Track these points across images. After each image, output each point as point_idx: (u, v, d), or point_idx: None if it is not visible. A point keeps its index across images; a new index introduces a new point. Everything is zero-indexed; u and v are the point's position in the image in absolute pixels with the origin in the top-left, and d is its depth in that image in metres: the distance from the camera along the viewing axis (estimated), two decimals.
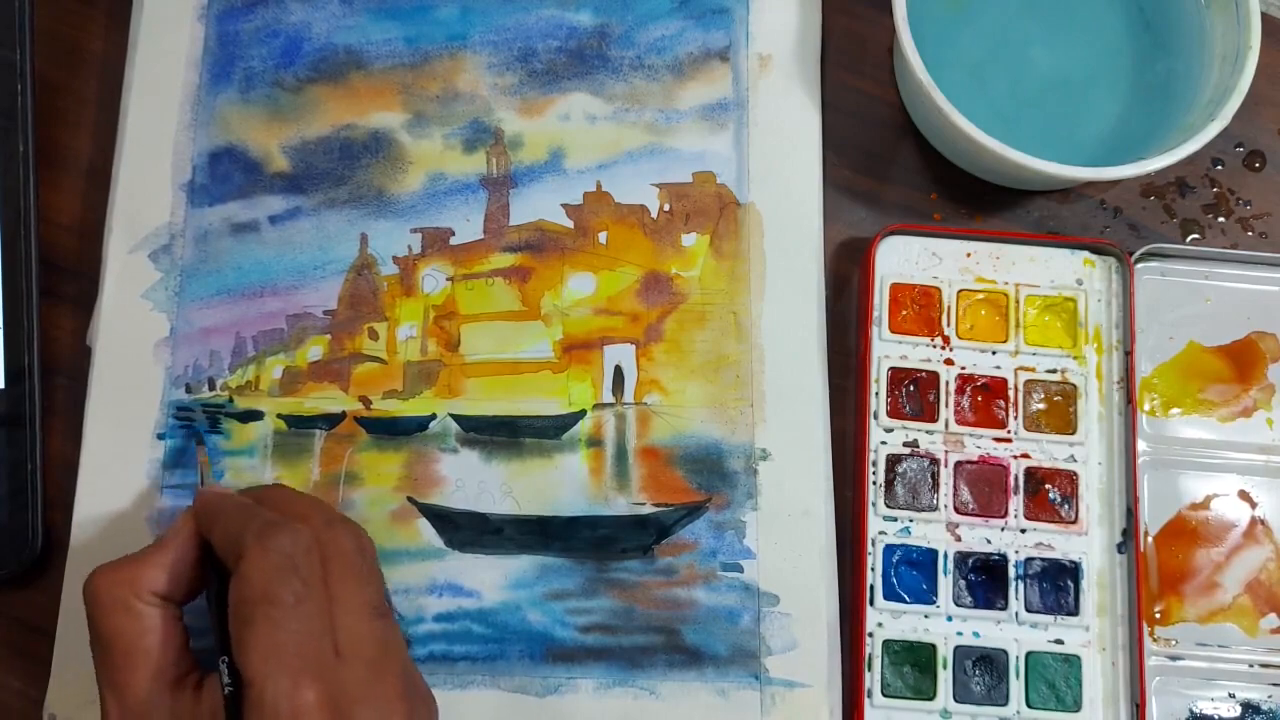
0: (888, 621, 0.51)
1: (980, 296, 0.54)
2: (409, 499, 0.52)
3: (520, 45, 0.57)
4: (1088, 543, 0.52)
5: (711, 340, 0.54)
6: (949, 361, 0.53)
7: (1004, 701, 0.50)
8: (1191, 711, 0.51)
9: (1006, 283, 0.54)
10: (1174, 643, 0.51)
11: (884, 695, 0.50)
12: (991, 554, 0.51)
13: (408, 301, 0.54)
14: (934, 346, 0.53)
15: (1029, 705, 0.50)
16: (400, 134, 0.56)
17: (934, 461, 0.52)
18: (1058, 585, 0.51)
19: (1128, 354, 0.53)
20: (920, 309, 0.54)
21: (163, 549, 0.43)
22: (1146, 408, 0.53)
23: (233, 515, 0.42)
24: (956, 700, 0.50)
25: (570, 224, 0.55)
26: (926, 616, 0.51)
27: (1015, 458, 0.52)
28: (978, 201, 0.57)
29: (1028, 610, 0.51)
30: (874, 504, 0.52)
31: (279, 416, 0.53)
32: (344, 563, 0.41)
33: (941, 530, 0.52)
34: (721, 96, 0.56)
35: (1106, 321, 0.54)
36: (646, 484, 0.52)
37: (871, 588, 0.51)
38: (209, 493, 0.44)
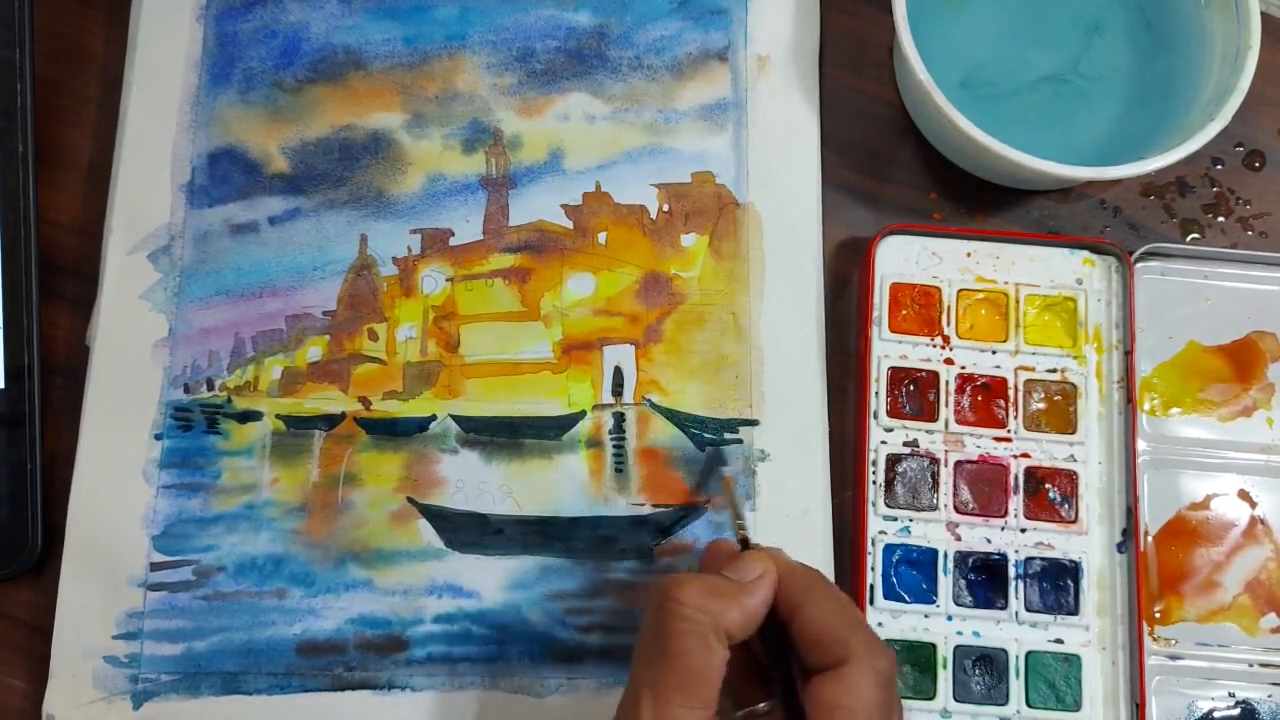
0: (888, 621, 0.51)
1: (980, 296, 0.54)
2: (409, 500, 0.52)
3: (519, 45, 0.57)
4: (1088, 542, 0.52)
5: (711, 341, 0.54)
6: (949, 361, 0.53)
7: (1004, 701, 0.50)
8: (1191, 711, 0.51)
9: (1006, 282, 0.54)
10: (1174, 642, 0.51)
11: None
12: (991, 553, 0.51)
13: (407, 302, 0.54)
14: (934, 346, 0.53)
15: (1029, 705, 0.50)
16: (399, 134, 0.56)
17: (934, 461, 0.52)
18: (1058, 585, 0.51)
19: (1128, 354, 0.53)
20: (920, 309, 0.54)
21: (749, 595, 0.42)
22: (1146, 407, 0.53)
23: (830, 608, 0.42)
24: (956, 700, 0.50)
25: (570, 224, 0.55)
26: (926, 616, 0.51)
27: (1015, 457, 0.52)
28: (978, 201, 0.57)
29: (1028, 610, 0.51)
30: (874, 504, 0.52)
31: (278, 417, 0.53)
32: (898, 696, 0.42)
33: (941, 530, 0.52)
34: (720, 97, 0.56)
35: (1106, 321, 0.54)
36: (646, 485, 0.52)
37: (871, 587, 0.51)
38: (796, 568, 0.44)
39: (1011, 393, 0.53)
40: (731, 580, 0.42)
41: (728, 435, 0.53)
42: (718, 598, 0.41)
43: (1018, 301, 0.54)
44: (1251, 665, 0.51)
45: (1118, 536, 0.52)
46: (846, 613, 0.42)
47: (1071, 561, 0.51)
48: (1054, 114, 0.55)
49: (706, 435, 0.53)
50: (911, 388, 0.53)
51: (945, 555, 0.51)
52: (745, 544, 0.46)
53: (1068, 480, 0.52)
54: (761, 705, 0.43)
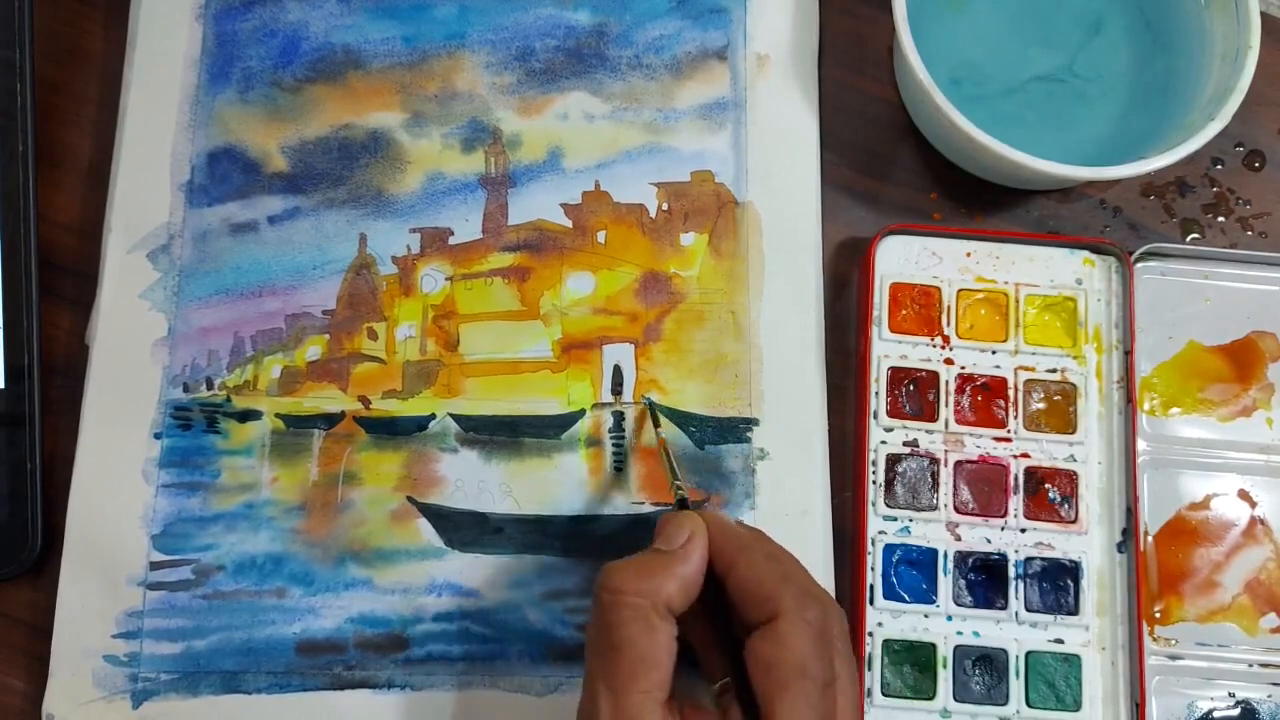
0: (887, 621, 0.51)
1: (980, 296, 0.54)
2: (409, 499, 0.52)
3: (518, 44, 0.57)
4: (1088, 542, 0.52)
5: (710, 340, 0.54)
6: (949, 361, 0.53)
7: (1004, 701, 0.50)
8: (1191, 711, 0.50)
9: (1006, 282, 0.54)
10: (1174, 642, 0.51)
11: (884, 695, 0.50)
12: (991, 553, 0.51)
13: (406, 301, 0.54)
14: (934, 346, 0.53)
15: (1029, 705, 0.50)
16: (399, 134, 0.56)
17: (934, 461, 0.52)
18: (1058, 585, 0.51)
19: (1127, 353, 0.53)
20: (920, 309, 0.54)
21: (681, 563, 0.42)
22: (1146, 407, 0.53)
23: (762, 564, 0.42)
24: (956, 700, 0.50)
25: (569, 223, 0.55)
26: (926, 616, 0.51)
27: (1015, 457, 0.52)
28: (978, 201, 0.57)
29: (1027, 610, 0.51)
30: (874, 503, 0.52)
31: (277, 416, 0.53)
32: (844, 644, 0.42)
33: (941, 530, 0.52)
34: (719, 96, 0.56)
35: (1106, 321, 0.54)
36: (645, 483, 0.52)
37: (871, 587, 0.51)
38: (730, 526, 0.43)
39: (1011, 393, 0.53)
40: (663, 553, 0.42)
41: (732, 436, 0.53)
42: (651, 576, 0.41)
43: (1018, 301, 0.54)
44: (1251, 665, 0.51)
45: (1118, 536, 0.52)
46: (778, 567, 0.42)
47: (1071, 561, 0.51)
48: (1053, 114, 0.55)
49: (707, 433, 0.53)
50: (911, 388, 0.53)
51: (945, 555, 0.51)
52: (683, 505, 0.45)
53: (1068, 480, 0.52)
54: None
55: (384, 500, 0.52)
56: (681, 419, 0.53)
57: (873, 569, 0.51)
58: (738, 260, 0.54)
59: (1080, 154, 0.54)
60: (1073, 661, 0.50)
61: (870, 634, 0.50)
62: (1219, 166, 0.57)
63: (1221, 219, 0.57)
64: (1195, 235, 0.57)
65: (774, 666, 0.40)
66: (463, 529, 0.52)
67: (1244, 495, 0.53)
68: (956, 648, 0.50)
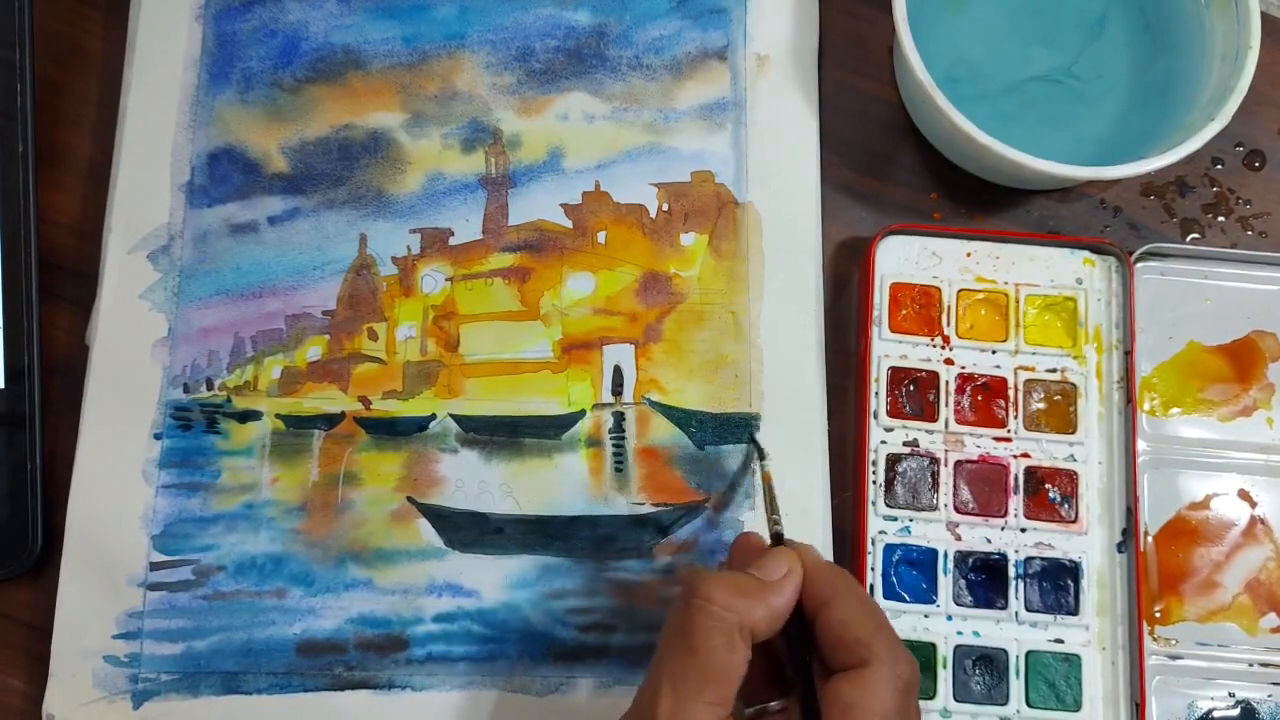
0: None
1: (980, 296, 0.54)
2: (409, 499, 0.52)
3: (518, 44, 0.57)
4: (1088, 542, 0.52)
5: (710, 340, 0.54)
6: (949, 361, 0.53)
7: (1004, 701, 0.50)
8: (1191, 711, 0.51)
9: (1006, 282, 0.54)
10: (1174, 642, 0.51)
11: None
12: (991, 553, 0.51)
13: (407, 302, 0.54)
14: (934, 346, 0.53)
15: (1029, 705, 0.50)
16: (399, 134, 0.56)
17: (934, 461, 0.52)
18: (1058, 585, 0.51)
19: (1128, 353, 0.53)
20: (920, 309, 0.54)
21: (775, 593, 0.42)
22: (1146, 407, 0.53)
23: (856, 608, 0.42)
24: (956, 700, 0.50)
25: (569, 224, 0.55)
26: (926, 616, 0.51)
27: (1015, 457, 0.52)
28: (978, 201, 0.57)
29: (1028, 610, 0.51)
30: (874, 503, 0.52)
31: (277, 416, 0.53)
32: (918, 705, 0.42)
33: (941, 530, 0.52)
34: (719, 96, 0.56)
35: (1106, 321, 0.54)
36: (645, 484, 0.52)
37: (871, 587, 0.51)
38: (824, 566, 0.44)
39: (1011, 392, 0.53)
40: (758, 579, 0.42)
41: (732, 436, 0.53)
42: (744, 596, 0.41)
43: (1018, 301, 0.54)
44: (1251, 665, 0.51)
45: (1118, 536, 0.52)
46: (871, 615, 0.42)
47: (1071, 561, 0.51)
48: (1054, 114, 0.55)
49: (707, 433, 0.53)
50: (911, 387, 0.53)
51: (945, 555, 0.51)
52: (778, 539, 0.45)
53: (1068, 480, 0.52)
54: (774, 704, 0.43)
55: (384, 501, 0.52)
56: (682, 418, 0.53)
57: (873, 569, 0.51)
58: (738, 260, 0.54)
59: (1080, 154, 0.54)
60: (1073, 661, 0.50)
61: None
62: (1219, 166, 0.57)
63: (1221, 219, 0.57)
64: (1195, 235, 0.57)
65: (854, 709, 0.40)
66: (463, 529, 0.52)
67: (1244, 495, 0.53)
68: (956, 647, 0.50)
